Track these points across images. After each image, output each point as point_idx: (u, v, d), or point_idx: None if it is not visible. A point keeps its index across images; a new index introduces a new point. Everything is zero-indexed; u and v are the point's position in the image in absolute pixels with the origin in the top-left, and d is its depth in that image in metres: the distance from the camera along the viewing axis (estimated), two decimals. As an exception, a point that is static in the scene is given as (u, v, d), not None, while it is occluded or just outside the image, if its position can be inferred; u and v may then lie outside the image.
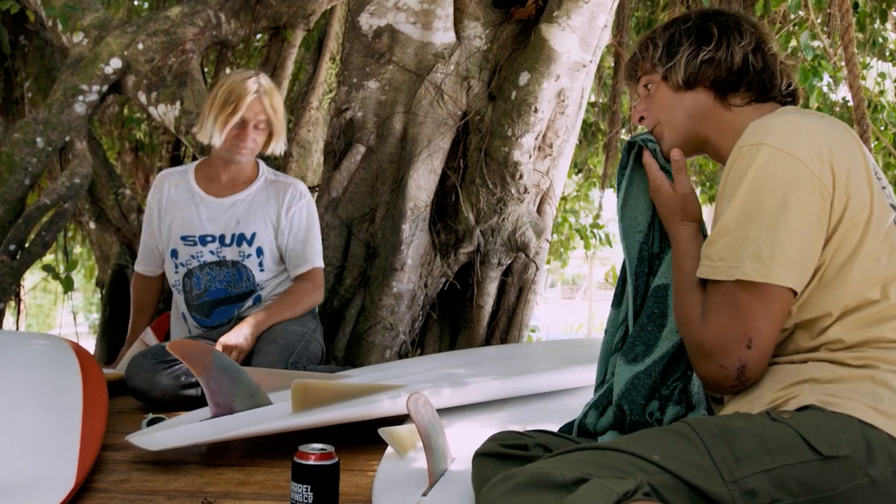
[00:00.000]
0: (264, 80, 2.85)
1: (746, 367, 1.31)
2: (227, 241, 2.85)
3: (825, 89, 4.32)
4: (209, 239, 2.85)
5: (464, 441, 1.87)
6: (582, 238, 5.36)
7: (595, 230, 5.41)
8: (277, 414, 2.09)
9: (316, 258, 2.92)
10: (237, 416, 2.09)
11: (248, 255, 2.85)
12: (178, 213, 2.89)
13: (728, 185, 1.36)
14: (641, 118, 1.62)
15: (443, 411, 2.03)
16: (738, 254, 1.31)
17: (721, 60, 1.50)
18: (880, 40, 4.58)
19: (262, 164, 2.96)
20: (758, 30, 1.54)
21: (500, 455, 1.49)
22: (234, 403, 2.11)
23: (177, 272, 2.91)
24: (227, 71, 3.79)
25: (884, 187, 1.39)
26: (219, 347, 2.63)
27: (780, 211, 1.30)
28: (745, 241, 1.31)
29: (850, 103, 3.64)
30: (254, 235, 2.85)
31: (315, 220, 2.95)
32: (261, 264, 2.86)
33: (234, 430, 2.01)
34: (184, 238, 2.87)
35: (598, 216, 5.74)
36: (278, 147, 2.90)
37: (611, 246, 5.47)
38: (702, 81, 1.52)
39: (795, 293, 1.32)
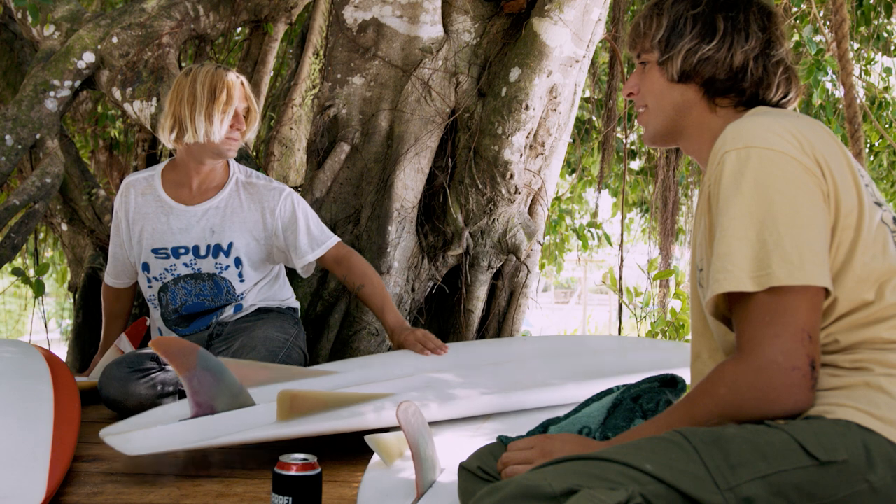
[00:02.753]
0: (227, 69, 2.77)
1: (815, 360, 1.22)
2: (203, 252, 2.74)
3: (828, 85, 4.27)
4: (182, 251, 2.74)
5: (452, 451, 1.86)
6: (580, 238, 5.29)
7: (592, 229, 5.32)
8: (261, 421, 2.06)
9: (326, 237, 2.81)
10: (219, 420, 2.07)
11: (227, 267, 2.75)
12: (146, 224, 2.78)
13: (721, 193, 1.30)
14: (631, 94, 1.60)
15: (431, 421, 2.02)
16: (763, 261, 1.24)
17: (719, 62, 1.46)
18: (885, 35, 4.53)
19: (232, 163, 2.84)
20: (769, 30, 1.48)
21: (482, 479, 1.49)
22: (216, 403, 2.08)
23: (150, 286, 2.81)
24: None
25: (867, 185, 1.36)
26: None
27: (793, 209, 1.25)
28: (764, 245, 1.24)
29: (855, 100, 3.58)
30: (231, 245, 2.74)
31: (303, 206, 2.82)
32: (240, 275, 2.77)
33: (217, 437, 2.01)
34: (155, 251, 2.76)
35: (595, 214, 5.69)
36: (253, 133, 2.81)
37: (611, 245, 5.39)
38: (695, 79, 1.49)
39: (828, 292, 1.26)
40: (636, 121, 1.58)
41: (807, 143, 1.30)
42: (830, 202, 1.28)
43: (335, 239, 2.81)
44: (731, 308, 1.29)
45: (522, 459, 1.38)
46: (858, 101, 4.22)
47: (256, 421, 2.07)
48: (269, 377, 2.27)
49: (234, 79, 2.68)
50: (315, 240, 2.77)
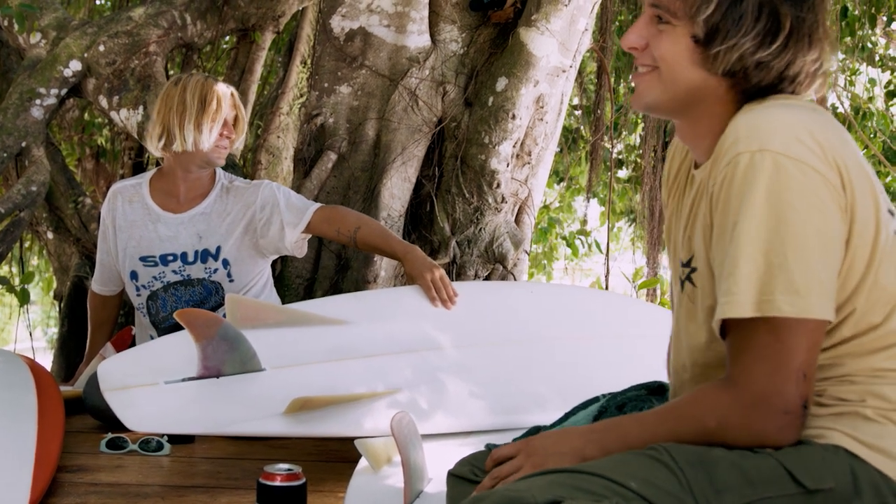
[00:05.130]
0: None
1: (808, 400, 1.17)
2: (191, 258, 2.74)
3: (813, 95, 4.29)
4: (170, 258, 2.74)
5: (441, 459, 1.83)
6: (569, 246, 5.28)
7: (581, 237, 5.31)
8: (267, 413, 2.07)
9: (309, 204, 2.75)
10: (223, 408, 2.08)
11: (216, 270, 2.75)
12: (134, 232, 2.77)
13: (731, 200, 1.18)
14: (634, 48, 1.30)
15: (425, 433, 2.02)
16: (767, 286, 1.15)
17: (773, 69, 1.22)
18: (870, 45, 4.56)
19: (218, 170, 2.84)
20: (828, 36, 1.26)
21: (474, 482, 1.45)
22: (224, 368, 2.11)
23: (139, 295, 2.80)
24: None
25: (880, 191, 1.25)
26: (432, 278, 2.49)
27: (804, 229, 1.14)
28: (770, 268, 1.15)
29: (839, 110, 3.61)
30: (219, 249, 2.74)
31: (283, 188, 2.79)
32: (229, 275, 2.76)
33: (219, 427, 2.05)
34: (143, 259, 2.76)
35: (584, 222, 5.70)
36: (241, 142, 2.82)
37: (601, 252, 5.35)
38: (736, 76, 1.24)
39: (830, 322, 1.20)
40: (631, 79, 1.27)
41: (828, 146, 1.17)
42: (847, 215, 1.18)
43: (317, 204, 2.77)
44: (727, 328, 1.21)
45: (510, 471, 1.30)
46: (842, 110, 4.25)
47: (263, 412, 2.07)
48: (283, 320, 2.27)
49: (224, 89, 2.70)
50: (299, 209, 2.73)
